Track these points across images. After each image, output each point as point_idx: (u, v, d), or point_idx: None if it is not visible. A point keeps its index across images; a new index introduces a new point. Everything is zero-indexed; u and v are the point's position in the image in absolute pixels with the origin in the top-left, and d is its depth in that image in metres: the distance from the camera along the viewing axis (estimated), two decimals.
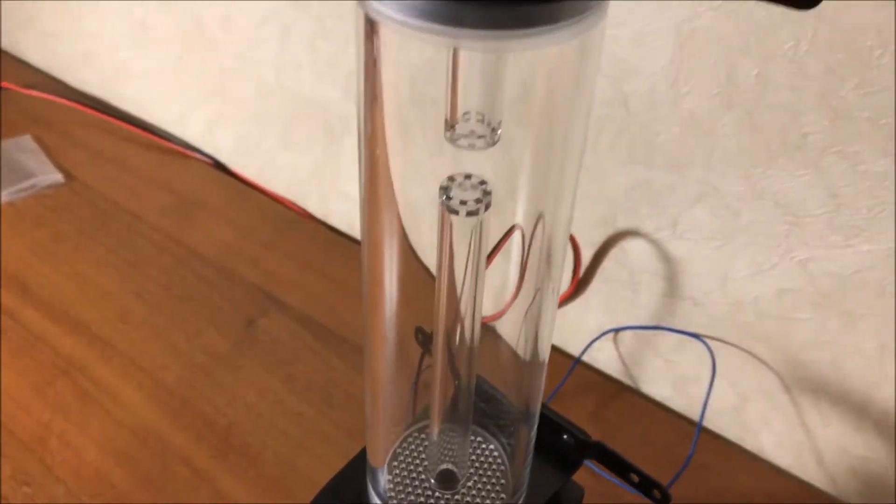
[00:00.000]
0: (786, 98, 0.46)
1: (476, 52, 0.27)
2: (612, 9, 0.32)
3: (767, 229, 0.51)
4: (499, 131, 0.29)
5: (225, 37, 0.72)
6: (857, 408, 0.53)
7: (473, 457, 0.40)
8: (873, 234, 0.47)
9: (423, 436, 0.42)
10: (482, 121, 0.29)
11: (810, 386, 0.55)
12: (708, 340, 0.57)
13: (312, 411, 0.60)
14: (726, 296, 0.55)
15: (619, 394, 0.63)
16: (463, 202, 0.30)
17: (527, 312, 0.35)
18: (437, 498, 0.39)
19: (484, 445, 0.41)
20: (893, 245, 0.47)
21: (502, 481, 0.39)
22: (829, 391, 0.54)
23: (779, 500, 0.56)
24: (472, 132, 0.29)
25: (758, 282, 0.53)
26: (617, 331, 0.62)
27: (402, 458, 0.41)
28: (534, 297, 0.35)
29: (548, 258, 0.33)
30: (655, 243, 0.56)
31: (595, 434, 0.41)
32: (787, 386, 0.56)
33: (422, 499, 0.39)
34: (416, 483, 0.40)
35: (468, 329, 0.34)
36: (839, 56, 0.43)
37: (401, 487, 0.40)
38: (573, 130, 0.29)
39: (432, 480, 0.40)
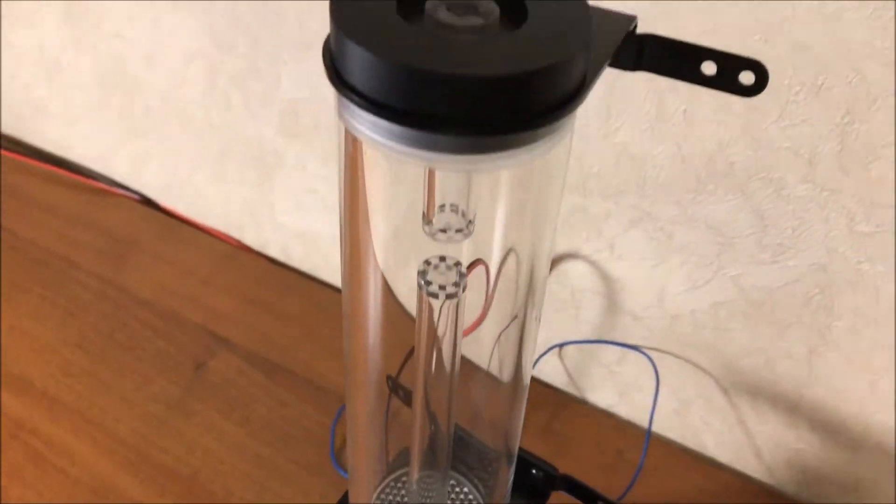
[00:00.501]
0: (712, 131, 0.49)
1: (450, 171, 0.29)
2: None
3: (700, 249, 0.54)
4: (474, 223, 0.30)
5: (148, 76, 0.71)
6: (789, 406, 0.57)
7: (450, 500, 0.42)
8: (798, 252, 0.50)
9: (402, 481, 0.44)
10: (458, 212, 0.30)
11: (746, 388, 0.58)
12: (648, 351, 0.60)
13: (271, 451, 0.60)
14: (664, 310, 0.58)
15: (568, 405, 0.66)
16: (442, 287, 0.31)
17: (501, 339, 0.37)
18: None
19: (458, 488, 0.43)
20: (817, 260, 0.50)
21: None
22: (763, 392, 0.58)
23: (722, 494, 0.60)
24: (449, 226, 0.30)
25: (693, 296, 0.56)
26: (561, 346, 0.64)
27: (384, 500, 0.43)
28: (509, 324, 0.37)
29: (525, 298, 0.34)
30: (594, 264, 0.58)
31: (550, 446, 0.43)
32: (725, 389, 0.59)
33: None
34: None
35: (447, 389, 0.36)
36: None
37: None
38: (547, 209, 0.31)
39: None
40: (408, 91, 0.25)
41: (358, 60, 0.25)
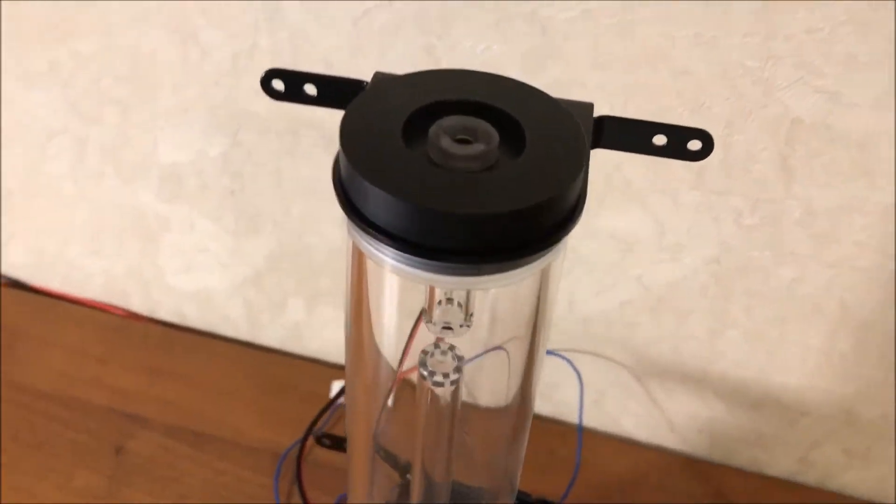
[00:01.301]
0: (609, 153, 0.52)
1: (450, 289, 0.30)
2: None
3: (604, 258, 0.58)
4: (472, 317, 0.32)
5: (6, 153, 0.66)
6: (696, 381, 0.63)
7: None
8: (693, 249, 0.55)
9: None
10: (458, 306, 0.32)
11: (656, 372, 0.63)
12: (565, 353, 0.63)
13: None
14: (575, 314, 0.62)
15: None
16: (445, 375, 0.33)
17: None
18: None
19: None
20: (711, 254, 0.55)
21: None
22: (672, 373, 0.63)
23: (648, 470, 0.65)
24: (449, 322, 0.32)
25: (602, 299, 0.60)
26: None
27: None
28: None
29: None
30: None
31: None
32: (637, 376, 0.64)
33: None
34: None
35: (444, 462, 0.37)
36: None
37: None
38: (548, 297, 0.33)
39: None
40: (413, 224, 0.26)
41: (364, 192, 0.26)
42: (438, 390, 0.33)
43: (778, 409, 0.62)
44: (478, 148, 0.27)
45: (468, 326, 0.32)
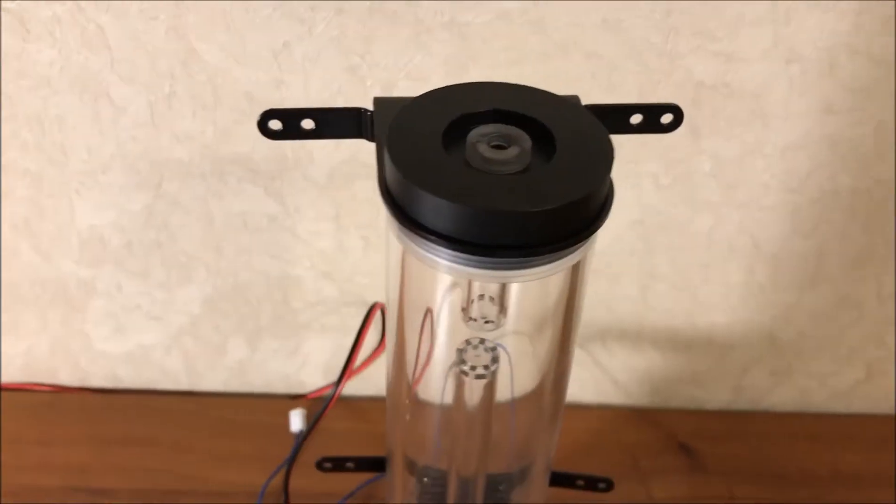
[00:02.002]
0: None
1: (488, 282, 0.32)
2: None
3: None
4: (507, 308, 0.34)
5: None
6: (632, 336, 0.68)
7: None
8: (618, 216, 0.60)
9: None
10: (493, 302, 0.34)
11: (595, 334, 0.68)
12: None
13: None
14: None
15: None
16: (486, 367, 0.35)
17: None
18: None
19: None
20: (635, 217, 0.60)
21: None
22: (610, 333, 0.68)
23: (601, 428, 0.70)
24: (485, 317, 0.34)
25: None
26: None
27: None
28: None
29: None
30: None
31: None
32: (580, 343, 0.68)
33: None
34: None
35: (480, 458, 0.39)
36: None
37: None
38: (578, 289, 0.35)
39: None
40: (456, 223, 0.28)
41: (416, 198, 0.28)
42: (479, 382, 0.35)
43: (709, 347, 0.68)
44: (513, 152, 0.29)
45: (503, 319, 0.34)
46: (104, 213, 0.60)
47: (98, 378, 0.71)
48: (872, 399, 0.72)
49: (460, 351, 0.35)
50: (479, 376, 0.34)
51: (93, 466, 0.65)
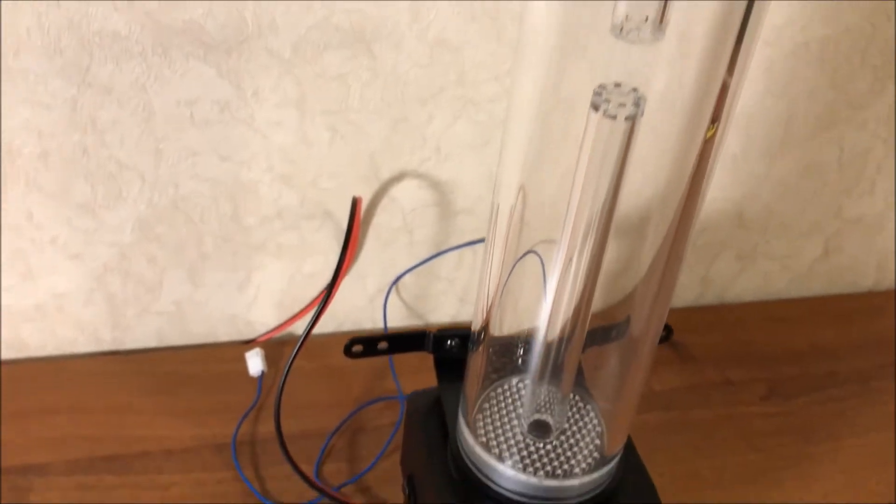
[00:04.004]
0: None
1: None
2: None
3: None
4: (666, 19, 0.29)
5: None
6: None
7: (570, 414, 0.40)
8: None
9: (518, 386, 0.40)
10: (647, 20, 0.28)
11: None
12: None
13: None
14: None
15: None
16: (621, 105, 0.29)
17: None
18: (528, 444, 0.38)
19: (581, 404, 0.40)
20: None
21: (597, 441, 0.39)
22: None
23: None
24: (639, 22, 0.28)
25: None
26: (397, 281, 0.62)
27: (494, 403, 0.39)
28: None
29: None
30: (423, 176, 0.57)
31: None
32: None
33: (512, 441, 0.37)
34: (507, 428, 0.38)
35: (598, 241, 0.33)
36: None
37: (490, 428, 0.38)
38: None
39: (525, 427, 0.38)
40: None
41: None
42: (612, 123, 0.29)
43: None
44: None
45: (660, 35, 0.29)
46: (14, 112, 0.49)
47: None
48: (827, 279, 0.73)
49: (601, 88, 0.29)
50: (608, 115, 0.29)
51: (14, 443, 0.52)
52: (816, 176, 0.65)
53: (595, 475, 0.37)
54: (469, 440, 0.38)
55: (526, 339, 0.39)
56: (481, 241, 0.60)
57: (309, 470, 0.53)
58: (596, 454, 0.38)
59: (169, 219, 0.55)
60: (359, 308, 0.63)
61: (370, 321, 0.64)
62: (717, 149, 0.32)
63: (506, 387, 0.40)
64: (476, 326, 0.39)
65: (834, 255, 0.71)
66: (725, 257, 0.69)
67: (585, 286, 0.35)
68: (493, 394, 0.40)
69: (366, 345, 0.42)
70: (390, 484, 0.53)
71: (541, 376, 0.38)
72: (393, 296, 0.63)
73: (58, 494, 0.50)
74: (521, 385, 0.40)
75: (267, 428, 0.56)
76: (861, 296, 0.75)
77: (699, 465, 0.56)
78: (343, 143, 0.54)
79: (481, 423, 0.38)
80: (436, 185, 0.58)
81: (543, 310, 0.36)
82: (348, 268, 0.60)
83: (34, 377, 0.57)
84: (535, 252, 0.37)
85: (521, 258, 0.37)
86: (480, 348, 0.39)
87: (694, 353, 0.65)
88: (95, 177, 0.52)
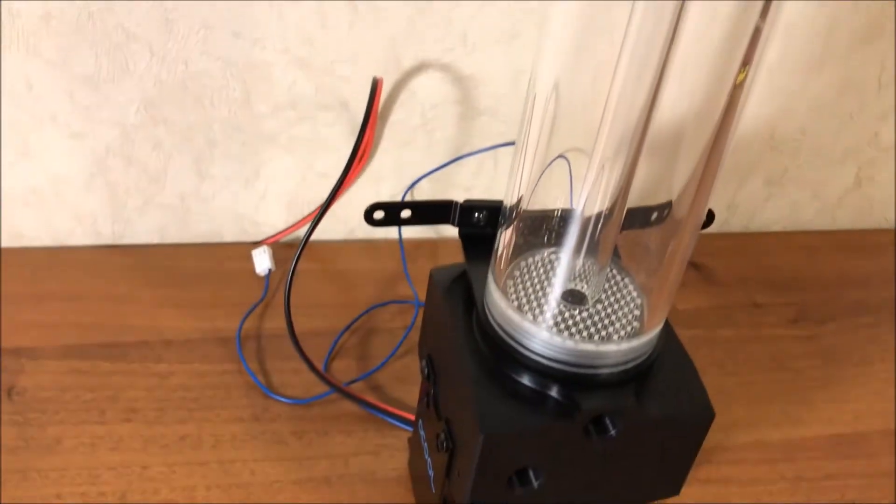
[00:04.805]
0: None
1: None
2: None
3: None
4: None
5: None
6: None
7: (607, 286, 0.37)
8: None
9: (551, 258, 0.37)
10: None
11: None
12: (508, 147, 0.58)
13: (196, 424, 0.46)
14: (520, 94, 0.56)
15: (435, 250, 0.61)
16: None
17: None
18: (563, 310, 0.35)
19: (619, 277, 0.37)
20: None
21: (635, 311, 0.36)
22: None
23: None
24: None
25: None
26: (413, 186, 0.59)
27: (526, 273, 0.36)
28: None
29: None
30: (446, 67, 0.54)
31: None
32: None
33: (546, 307, 0.35)
34: (540, 294, 0.35)
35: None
36: None
37: (523, 294, 0.35)
38: None
39: (558, 295, 0.35)
40: None
41: None
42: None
43: None
44: None
45: None
46: None
47: None
48: (857, 211, 0.70)
49: None
50: None
51: (4, 326, 0.50)
52: (854, 95, 0.62)
53: (634, 342, 0.34)
54: (500, 304, 0.35)
55: (562, 215, 0.36)
56: (510, 143, 0.57)
57: (318, 366, 0.50)
58: (635, 323, 0.35)
59: (177, 100, 0.52)
60: None
61: (383, 229, 0.61)
62: (761, 50, 0.29)
63: (538, 257, 0.37)
64: (510, 201, 0.36)
65: (866, 186, 0.68)
66: (754, 182, 0.66)
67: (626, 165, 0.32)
68: (524, 263, 0.37)
69: (388, 211, 0.38)
70: (403, 383, 0.50)
71: (577, 249, 0.36)
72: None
73: (50, 378, 0.47)
74: (554, 257, 0.37)
75: (273, 324, 0.53)
76: (891, 231, 0.72)
77: (725, 381, 0.54)
78: (364, 26, 0.51)
79: (513, 290, 0.36)
80: (459, 80, 0.55)
81: (584, 184, 0.34)
82: (362, 167, 0.57)
83: (27, 264, 0.54)
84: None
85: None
86: (513, 216, 0.36)
87: (719, 277, 0.63)
88: (100, 46, 0.49)
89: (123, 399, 0.47)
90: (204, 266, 0.56)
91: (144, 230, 0.57)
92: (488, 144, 0.58)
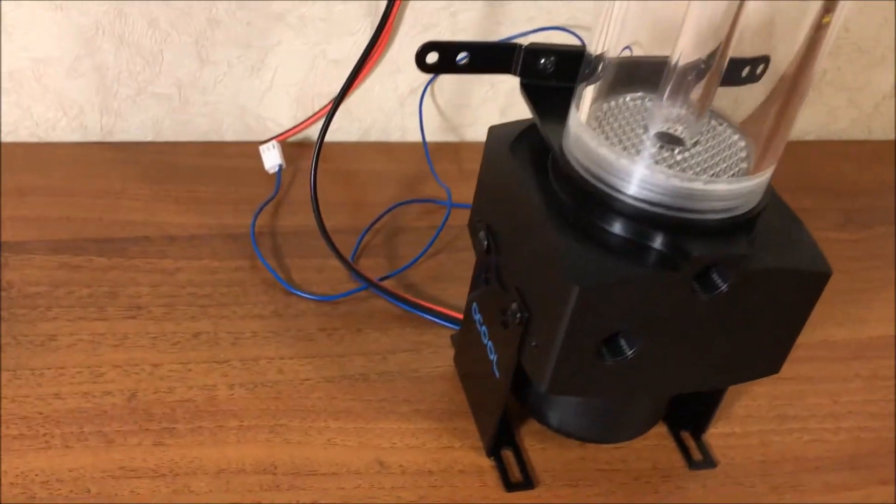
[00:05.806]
0: None
1: None
2: None
3: None
4: None
5: None
6: None
7: (706, 129, 0.32)
8: None
9: (645, 99, 0.32)
10: None
11: None
12: (571, 27, 0.52)
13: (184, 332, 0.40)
14: None
15: (457, 153, 0.56)
16: None
17: None
18: (661, 149, 0.30)
19: (716, 122, 0.32)
20: None
21: (741, 153, 0.31)
22: None
23: None
24: None
25: None
26: (435, 77, 0.53)
27: (612, 115, 0.31)
28: None
29: None
30: None
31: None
32: None
33: (641, 146, 0.30)
34: (633, 135, 0.30)
35: None
36: None
37: (613, 133, 0.30)
38: None
39: (658, 129, 0.31)
40: None
41: None
42: None
43: None
44: None
45: None
46: None
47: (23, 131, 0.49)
48: (892, 122, 0.66)
49: None
50: None
51: None
52: None
53: (746, 183, 0.30)
54: (590, 143, 0.30)
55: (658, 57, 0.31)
56: (552, 28, 0.52)
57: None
58: (742, 165, 0.31)
59: None
60: (387, 112, 0.55)
61: (399, 129, 0.56)
62: None
63: (628, 99, 0.32)
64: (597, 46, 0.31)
65: None
66: None
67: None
68: (607, 106, 0.32)
69: (442, 53, 0.33)
70: (438, 281, 0.45)
71: (675, 91, 0.31)
72: (427, 100, 0.54)
73: (38, 273, 0.41)
74: (647, 100, 0.32)
75: (288, 222, 0.47)
76: None
77: None
78: None
79: (600, 129, 0.31)
80: None
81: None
82: (380, 54, 0.51)
83: (3, 157, 0.48)
84: None
85: None
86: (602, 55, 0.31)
87: None
88: None
89: (124, 295, 0.41)
90: (205, 163, 0.50)
91: (136, 125, 0.51)
92: (517, 31, 0.53)
